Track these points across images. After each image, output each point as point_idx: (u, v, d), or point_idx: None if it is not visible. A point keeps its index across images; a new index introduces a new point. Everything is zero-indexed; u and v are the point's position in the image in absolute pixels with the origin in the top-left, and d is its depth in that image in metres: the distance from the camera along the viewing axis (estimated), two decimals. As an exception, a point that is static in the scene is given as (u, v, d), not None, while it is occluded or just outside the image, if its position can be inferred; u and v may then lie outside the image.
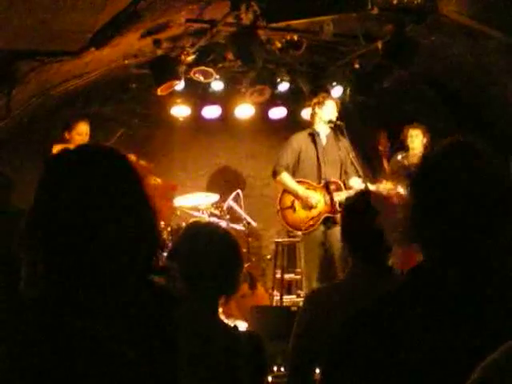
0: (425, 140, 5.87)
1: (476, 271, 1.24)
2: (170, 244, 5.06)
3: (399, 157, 5.95)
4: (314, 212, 5.30)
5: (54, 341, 1.11)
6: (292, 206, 5.38)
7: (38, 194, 1.22)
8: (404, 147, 5.96)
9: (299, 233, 5.45)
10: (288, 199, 5.42)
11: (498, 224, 1.25)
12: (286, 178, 5.41)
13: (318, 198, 5.30)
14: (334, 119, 5.35)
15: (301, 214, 5.34)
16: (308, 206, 5.31)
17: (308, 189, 5.37)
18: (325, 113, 5.37)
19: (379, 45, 5.19)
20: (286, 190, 5.44)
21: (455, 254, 1.26)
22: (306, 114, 6.42)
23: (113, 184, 1.24)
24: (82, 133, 5.18)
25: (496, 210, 1.24)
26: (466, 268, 1.25)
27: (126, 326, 1.19)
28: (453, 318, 1.21)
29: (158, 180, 5.48)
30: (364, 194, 2.54)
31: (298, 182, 5.40)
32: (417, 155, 5.72)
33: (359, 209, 2.31)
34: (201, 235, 2.06)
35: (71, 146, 1.32)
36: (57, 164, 1.26)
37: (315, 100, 5.50)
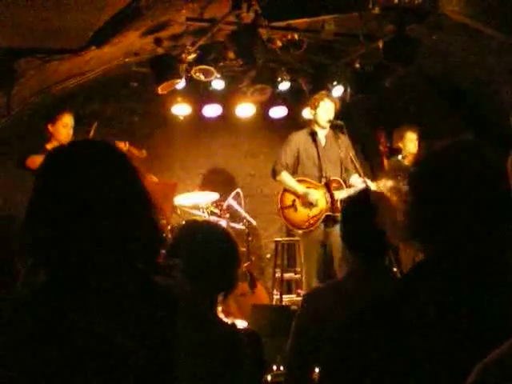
0: (417, 142, 5.89)
1: (477, 268, 1.25)
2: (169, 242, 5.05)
3: (399, 156, 5.95)
4: (315, 210, 5.31)
5: (53, 336, 1.11)
6: (293, 205, 5.39)
7: (36, 190, 1.22)
8: (398, 149, 5.96)
9: (300, 231, 5.45)
10: (289, 198, 5.42)
11: (498, 221, 1.25)
12: (285, 177, 5.42)
13: (318, 196, 5.31)
14: (332, 118, 5.36)
15: (302, 212, 5.34)
16: (309, 205, 5.31)
17: (308, 187, 5.38)
18: (320, 114, 5.38)
19: (380, 44, 5.19)
20: (287, 189, 5.45)
21: (456, 251, 1.26)
22: (306, 113, 6.43)
23: (111, 181, 1.23)
24: (66, 125, 5.08)
25: (497, 208, 1.25)
26: (468, 265, 1.25)
27: (126, 323, 1.19)
28: (454, 315, 1.21)
29: (155, 179, 5.47)
30: (364, 192, 2.54)
31: (299, 180, 5.41)
32: (413, 156, 5.74)
33: (359, 208, 2.31)
34: (197, 233, 2.06)
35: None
36: (54, 159, 1.26)
37: (310, 103, 5.52)
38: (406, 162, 5.83)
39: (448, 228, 1.27)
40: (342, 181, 5.38)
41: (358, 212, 2.30)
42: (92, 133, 5.30)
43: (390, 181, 5.15)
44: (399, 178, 5.09)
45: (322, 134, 5.48)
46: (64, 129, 5.07)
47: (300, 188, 5.36)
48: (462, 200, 1.25)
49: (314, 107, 5.43)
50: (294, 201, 5.38)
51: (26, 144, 5.45)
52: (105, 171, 1.24)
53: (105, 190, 1.21)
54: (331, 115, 5.37)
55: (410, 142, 5.91)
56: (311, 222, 5.28)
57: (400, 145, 5.95)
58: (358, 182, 5.26)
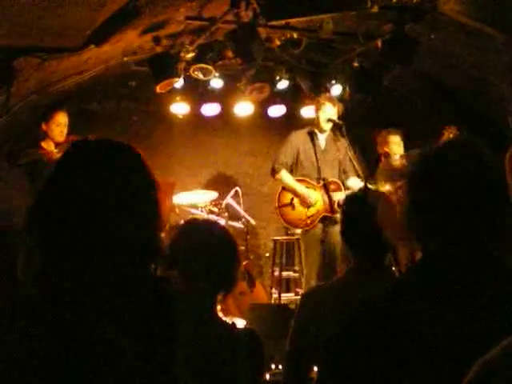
0: (402, 144, 5.92)
1: (476, 267, 1.25)
2: (168, 241, 5.06)
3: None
4: (313, 210, 5.32)
5: (51, 334, 1.11)
6: (291, 204, 5.39)
7: (47, 184, 1.22)
8: (385, 153, 5.96)
9: (297, 230, 5.47)
10: (287, 196, 5.43)
11: (497, 220, 1.26)
12: (284, 176, 5.43)
13: (316, 197, 5.32)
14: (334, 118, 5.36)
15: (299, 211, 5.35)
16: (306, 204, 5.32)
17: (307, 187, 5.38)
18: (321, 119, 5.39)
19: (378, 43, 5.19)
20: (285, 188, 5.46)
21: (455, 250, 1.26)
22: (305, 111, 6.43)
23: (125, 181, 1.24)
24: (59, 123, 5.07)
25: (495, 207, 1.25)
26: (466, 263, 1.25)
27: (125, 321, 1.19)
28: (453, 314, 1.21)
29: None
30: (363, 193, 2.54)
31: (298, 180, 5.42)
32: (399, 158, 5.76)
33: (359, 207, 2.32)
34: (198, 232, 2.06)
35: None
36: (69, 157, 1.26)
37: (314, 104, 5.55)
38: (399, 162, 5.82)
39: (446, 227, 1.27)
40: (340, 182, 5.39)
41: (358, 211, 2.30)
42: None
43: (388, 183, 5.16)
44: (393, 178, 5.11)
45: (323, 135, 5.50)
46: (57, 127, 5.06)
47: (299, 187, 5.37)
48: (460, 199, 1.26)
49: (316, 110, 5.45)
50: (292, 199, 5.39)
51: (25, 142, 5.45)
52: (119, 173, 1.24)
53: (115, 192, 1.21)
54: (334, 115, 5.38)
55: (395, 145, 5.93)
56: (308, 221, 5.30)
57: (386, 149, 5.97)
58: (355, 185, 5.26)
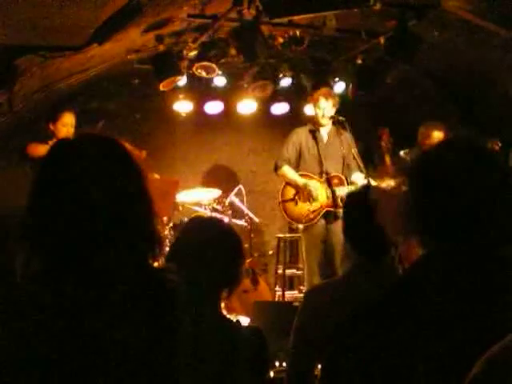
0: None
1: (477, 262, 1.25)
2: (172, 239, 5.07)
3: (401, 153, 5.92)
4: (316, 205, 5.32)
5: (52, 331, 1.11)
6: (294, 199, 5.41)
7: (36, 183, 1.23)
8: (417, 145, 5.86)
9: (300, 226, 5.47)
10: (290, 192, 5.45)
11: (495, 217, 1.25)
12: (287, 170, 5.46)
13: (319, 191, 5.32)
14: (333, 114, 5.36)
15: (302, 206, 5.36)
16: (309, 199, 5.32)
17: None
18: (318, 114, 5.39)
19: (382, 40, 5.19)
20: (288, 183, 5.47)
21: (456, 246, 1.26)
22: (308, 109, 6.42)
23: (112, 177, 1.24)
24: (67, 124, 5.08)
25: (495, 203, 1.25)
26: (468, 259, 1.25)
27: (125, 316, 1.19)
28: (455, 311, 1.21)
29: (157, 176, 5.47)
30: (366, 189, 2.53)
31: (301, 175, 5.43)
32: None
33: (361, 205, 2.31)
34: (203, 229, 2.06)
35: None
36: (58, 152, 1.26)
37: (310, 99, 5.54)
38: (408, 158, 5.78)
39: (447, 222, 1.27)
40: (343, 177, 5.39)
41: (360, 208, 2.29)
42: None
43: (393, 180, 5.13)
44: (401, 174, 5.08)
45: (325, 131, 5.50)
46: (63, 128, 5.08)
47: (300, 180, 5.38)
48: (461, 196, 1.25)
49: (313, 107, 5.47)
50: (295, 194, 5.41)
51: (28, 141, 5.45)
52: (107, 167, 1.24)
53: (105, 186, 1.21)
54: (330, 113, 5.37)
55: (436, 140, 5.77)
56: (311, 216, 5.29)
57: (425, 141, 5.76)
58: (360, 179, 5.26)
